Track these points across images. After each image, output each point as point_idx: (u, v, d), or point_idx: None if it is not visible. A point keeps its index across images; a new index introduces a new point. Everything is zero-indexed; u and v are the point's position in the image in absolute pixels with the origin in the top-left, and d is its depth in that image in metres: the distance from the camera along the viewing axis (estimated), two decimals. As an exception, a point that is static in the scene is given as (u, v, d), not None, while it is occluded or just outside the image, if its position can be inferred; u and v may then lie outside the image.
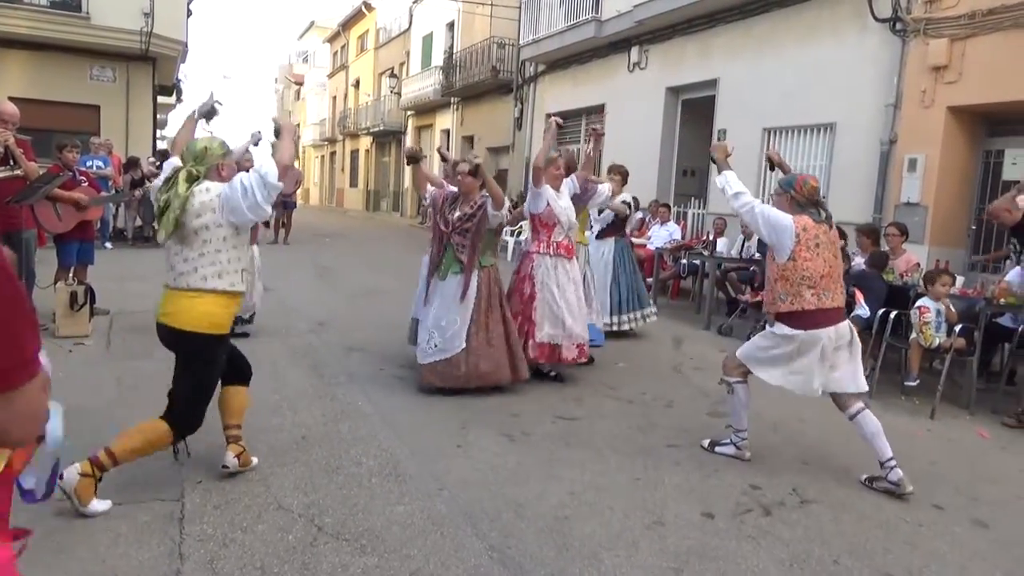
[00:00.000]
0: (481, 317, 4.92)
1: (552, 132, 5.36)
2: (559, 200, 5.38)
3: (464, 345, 4.85)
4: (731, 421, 4.17)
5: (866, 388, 3.96)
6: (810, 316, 3.76)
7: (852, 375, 3.87)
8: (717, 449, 4.16)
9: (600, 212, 7.02)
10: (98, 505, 3.06)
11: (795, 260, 3.76)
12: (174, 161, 3.55)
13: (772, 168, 4.51)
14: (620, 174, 6.89)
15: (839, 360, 3.84)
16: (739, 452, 4.11)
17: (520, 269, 5.45)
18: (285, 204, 15.39)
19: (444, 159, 6.40)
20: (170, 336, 3.27)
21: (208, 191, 3.27)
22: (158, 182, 3.49)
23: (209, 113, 3.87)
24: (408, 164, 5.25)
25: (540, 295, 5.28)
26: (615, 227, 7.22)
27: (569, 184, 5.67)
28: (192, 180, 3.31)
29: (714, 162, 4.19)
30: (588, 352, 5.52)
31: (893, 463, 3.73)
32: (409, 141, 26.45)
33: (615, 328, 7.05)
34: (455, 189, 5.14)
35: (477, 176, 4.86)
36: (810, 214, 3.84)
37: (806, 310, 3.76)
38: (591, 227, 6.99)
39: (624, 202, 7.04)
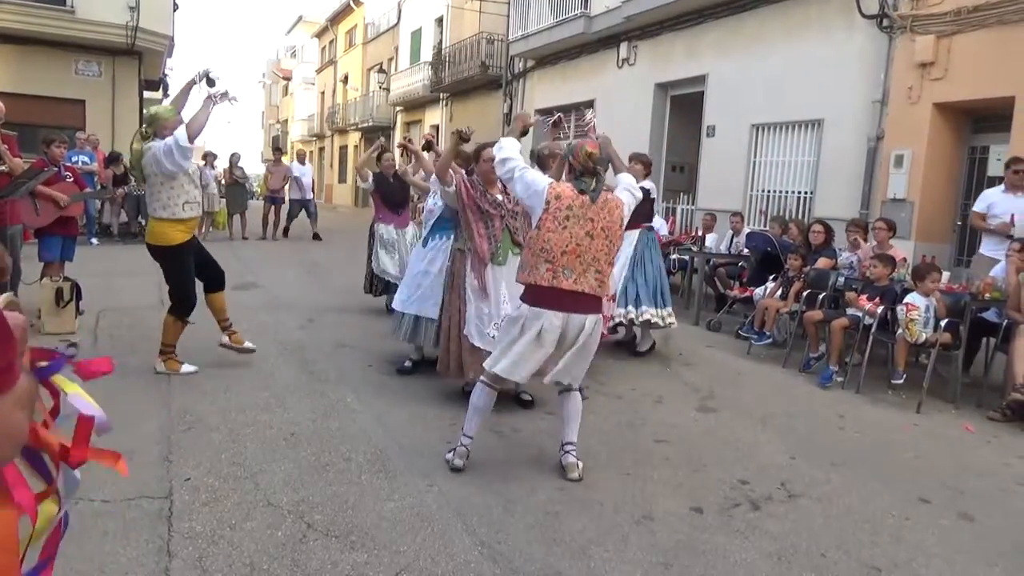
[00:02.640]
0: None
1: (548, 123, 5.05)
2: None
3: None
4: (464, 422, 3.72)
5: (577, 384, 3.68)
6: (543, 293, 3.41)
7: (569, 369, 3.55)
8: (447, 456, 3.68)
9: None
10: (188, 367, 5.02)
11: (539, 229, 3.41)
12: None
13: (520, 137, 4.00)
14: (642, 163, 6.61)
15: (562, 354, 3.50)
16: (450, 458, 3.64)
17: None
18: (273, 200, 15.33)
19: (431, 147, 6.19)
20: (148, 249, 4.91)
21: (150, 148, 4.61)
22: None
23: (213, 87, 4.98)
24: (461, 141, 4.71)
25: None
26: (639, 216, 6.87)
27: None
28: (145, 138, 4.66)
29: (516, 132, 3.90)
30: None
31: (571, 447, 3.67)
32: (398, 137, 26.37)
33: (634, 318, 6.43)
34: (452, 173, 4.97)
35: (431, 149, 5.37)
36: (581, 183, 3.47)
37: (539, 285, 3.41)
38: None
39: (644, 190, 6.77)
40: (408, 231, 7.59)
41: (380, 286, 7.63)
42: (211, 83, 5.00)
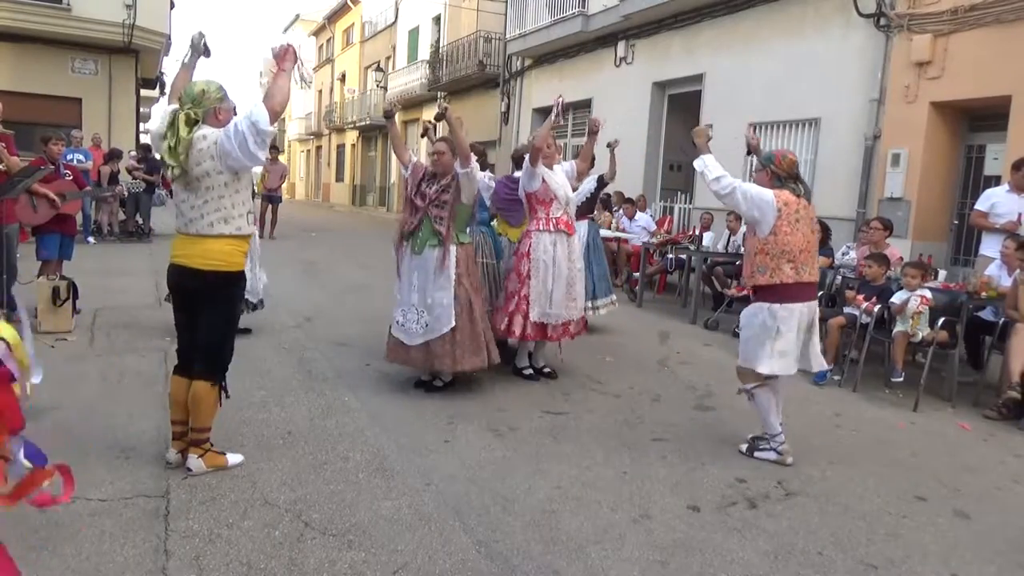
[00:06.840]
0: (464, 295, 4.77)
1: (557, 108, 5.20)
2: (554, 176, 5.27)
3: (453, 323, 4.70)
4: (764, 430, 4.09)
5: (825, 366, 4.24)
6: (788, 289, 3.84)
7: (816, 354, 4.05)
8: (757, 454, 4.06)
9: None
10: (233, 458, 3.55)
11: (776, 235, 3.82)
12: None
13: (749, 153, 4.57)
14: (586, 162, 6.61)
15: (810, 337, 3.98)
16: (780, 458, 3.99)
17: (519, 248, 5.31)
18: (271, 198, 15.30)
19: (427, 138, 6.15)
20: (186, 276, 3.36)
21: (205, 139, 3.26)
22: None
23: (205, 50, 3.75)
24: (386, 119, 5.26)
25: (536, 273, 5.16)
26: (587, 208, 6.90)
27: (567, 168, 5.61)
28: (191, 123, 3.28)
29: (695, 146, 4.13)
30: (580, 330, 5.46)
31: (781, 438, 4.03)
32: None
33: (591, 314, 6.71)
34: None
35: (443, 121, 4.79)
36: (791, 188, 3.90)
37: (785, 283, 3.83)
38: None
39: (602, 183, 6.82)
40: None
41: None
42: (207, 53, 3.82)
